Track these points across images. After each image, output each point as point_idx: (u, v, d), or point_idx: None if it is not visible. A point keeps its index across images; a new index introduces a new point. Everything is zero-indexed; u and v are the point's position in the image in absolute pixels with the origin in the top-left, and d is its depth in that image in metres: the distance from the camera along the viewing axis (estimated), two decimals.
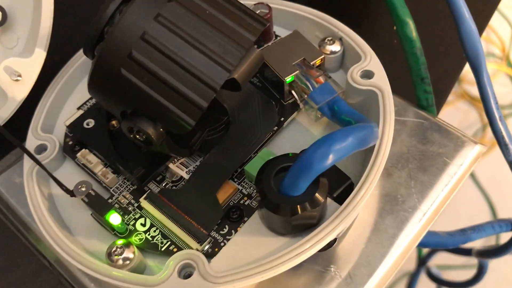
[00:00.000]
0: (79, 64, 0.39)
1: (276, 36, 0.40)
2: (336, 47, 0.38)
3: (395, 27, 0.46)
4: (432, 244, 0.41)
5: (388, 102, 0.33)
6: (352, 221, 0.34)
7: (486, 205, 1.08)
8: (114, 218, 0.31)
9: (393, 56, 0.45)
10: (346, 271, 0.33)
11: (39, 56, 0.36)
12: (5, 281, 0.36)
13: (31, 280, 0.35)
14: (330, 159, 0.26)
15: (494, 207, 1.07)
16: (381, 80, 0.35)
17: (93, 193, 0.31)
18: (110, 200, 0.33)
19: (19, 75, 0.35)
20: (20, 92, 0.36)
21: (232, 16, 0.28)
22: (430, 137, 0.38)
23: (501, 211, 1.07)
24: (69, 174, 0.35)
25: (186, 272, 0.29)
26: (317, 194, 0.28)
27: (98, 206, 0.31)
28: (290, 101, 0.36)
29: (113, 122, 0.35)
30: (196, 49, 0.27)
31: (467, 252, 0.56)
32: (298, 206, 0.27)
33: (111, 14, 0.29)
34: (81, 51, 0.40)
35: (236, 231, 0.31)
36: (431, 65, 0.41)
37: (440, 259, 0.85)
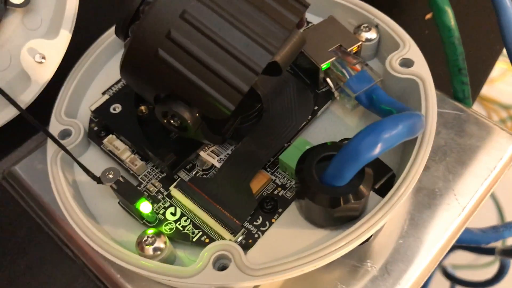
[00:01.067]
0: (104, 47, 0.38)
1: (308, 22, 0.38)
2: (372, 35, 0.36)
3: (427, 17, 0.45)
4: (466, 240, 0.40)
5: (430, 91, 0.32)
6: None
7: (494, 206, 1.06)
8: (145, 206, 0.29)
9: (424, 46, 0.43)
10: (382, 266, 0.32)
11: (64, 38, 0.35)
12: (23, 265, 0.34)
13: (52, 268, 0.34)
14: (379, 148, 0.25)
15: (502, 208, 1.06)
16: (421, 69, 0.33)
17: (122, 180, 0.30)
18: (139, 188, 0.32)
19: (43, 57, 0.34)
20: (44, 74, 0.35)
21: None
22: (467, 129, 0.36)
23: (509, 212, 1.05)
24: (94, 161, 0.34)
25: (220, 264, 0.28)
26: (362, 186, 0.26)
27: (128, 194, 0.30)
28: (323, 90, 0.35)
29: (142, 107, 0.34)
30: (237, 30, 0.26)
31: (490, 252, 0.55)
32: (342, 197, 0.26)
33: None
34: (106, 34, 0.38)
35: (270, 222, 0.30)
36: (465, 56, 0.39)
37: (453, 258, 0.84)
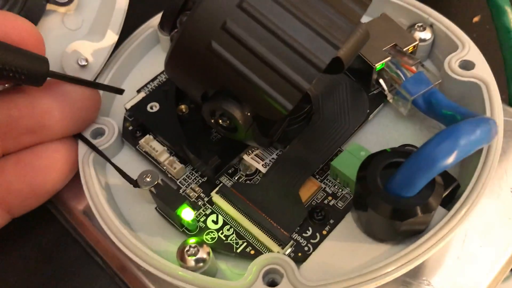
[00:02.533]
0: (139, 42, 0.36)
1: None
2: (426, 34, 0.34)
3: (474, 20, 0.42)
4: None
5: (495, 96, 0.30)
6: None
7: None
8: (187, 213, 0.27)
9: None
10: (438, 284, 0.29)
11: (110, 40, 0.32)
12: (48, 273, 0.32)
13: (79, 277, 0.32)
14: (455, 155, 0.22)
15: None
16: (484, 72, 0.31)
17: (162, 184, 0.28)
18: None
19: (86, 60, 0.32)
20: (86, 77, 0.32)
21: None
22: None
23: None
24: (128, 163, 0.32)
25: (270, 279, 0.26)
26: (432, 197, 0.24)
27: (169, 199, 0.27)
28: (375, 92, 0.33)
29: (182, 106, 0.32)
30: (299, 21, 0.23)
31: None
32: (411, 209, 0.23)
33: None
34: (140, 28, 0.36)
35: (321, 234, 0.28)
36: None
37: None
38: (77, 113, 0.29)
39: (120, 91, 0.31)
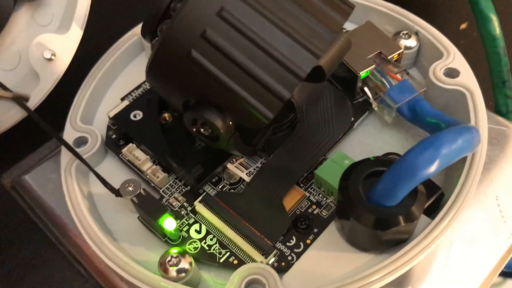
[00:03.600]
0: (123, 50, 0.36)
1: (342, 29, 0.36)
2: (411, 42, 0.34)
3: (462, 27, 0.42)
4: (508, 265, 0.37)
5: (480, 104, 0.29)
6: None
7: None
8: (169, 223, 0.27)
9: None
10: None
11: (75, 34, 0.32)
12: (30, 283, 0.31)
13: (62, 285, 0.31)
14: (437, 165, 0.22)
15: None
16: (468, 80, 0.31)
17: (144, 193, 0.27)
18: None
19: (53, 54, 0.32)
20: (54, 72, 0.32)
21: None
22: None
23: None
24: (111, 172, 0.31)
25: None
26: (414, 206, 0.24)
27: (151, 209, 0.27)
28: (360, 100, 0.32)
29: (165, 115, 0.31)
30: (280, 30, 0.23)
31: None
32: (393, 218, 0.23)
33: None
34: (125, 36, 0.36)
35: (305, 243, 0.27)
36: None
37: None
38: None
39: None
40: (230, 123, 0.25)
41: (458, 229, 0.31)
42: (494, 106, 0.37)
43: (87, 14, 0.32)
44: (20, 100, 0.30)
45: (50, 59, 0.32)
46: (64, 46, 0.32)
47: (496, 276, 0.30)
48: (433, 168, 0.22)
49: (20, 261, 0.32)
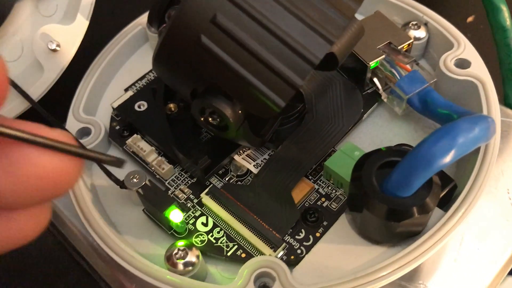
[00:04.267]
0: (127, 40, 0.35)
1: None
2: (421, 33, 0.33)
3: (468, 20, 0.42)
4: None
5: (492, 94, 0.29)
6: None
7: None
8: (175, 215, 0.26)
9: None
10: None
11: (81, 25, 0.32)
12: (32, 279, 0.31)
13: (64, 282, 0.30)
14: (453, 154, 0.22)
15: None
16: (480, 70, 0.30)
17: (149, 185, 0.27)
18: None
19: (58, 45, 0.31)
20: (58, 64, 0.32)
21: None
22: None
23: None
24: None
25: (262, 283, 0.25)
26: (429, 197, 0.23)
27: (157, 200, 0.26)
28: (369, 91, 0.32)
29: (171, 105, 0.31)
30: (292, 15, 0.23)
31: None
32: (408, 209, 0.23)
33: None
34: (129, 26, 0.35)
35: (314, 236, 0.27)
36: None
37: None
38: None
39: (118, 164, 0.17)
40: (240, 112, 0.24)
41: (469, 223, 0.30)
42: (503, 99, 0.36)
43: (93, 4, 0.32)
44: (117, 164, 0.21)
45: (54, 50, 0.31)
46: (69, 37, 0.31)
47: (507, 271, 0.30)
48: (449, 157, 0.22)
49: (21, 257, 0.31)
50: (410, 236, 0.25)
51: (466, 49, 0.31)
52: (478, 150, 0.27)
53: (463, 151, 0.22)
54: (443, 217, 0.25)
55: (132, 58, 0.36)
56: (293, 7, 0.23)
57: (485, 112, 0.28)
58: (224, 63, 0.23)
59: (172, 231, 0.27)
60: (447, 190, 0.26)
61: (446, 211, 0.25)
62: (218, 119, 0.25)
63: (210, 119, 0.25)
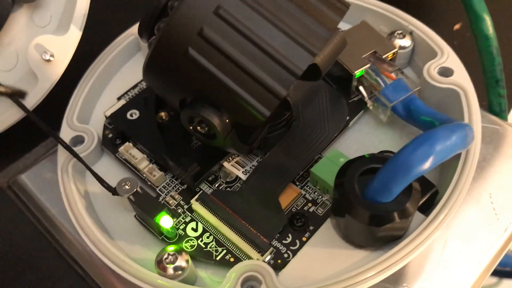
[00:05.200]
0: (120, 49, 0.36)
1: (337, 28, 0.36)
2: (406, 42, 0.34)
3: (455, 27, 0.43)
4: (501, 263, 0.37)
5: (473, 102, 0.30)
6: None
7: None
8: (165, 221, 0.27)
9: None
10: None
11: (74, 35, 0.33)
12: (27, 283, 0.31)
13: (58, 287, 0.31)
14: (431, 161, 0.23)
15: None
16: (462, 78, 0.31)
17: (140, 191, 0.27)
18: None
19: (52, 55, 0.32)
20: (52, 74, 0.32)
21: None
22: (506, 144, 0.34)
23: None
24: (107, 171, 0.32)
25: (249, 286, 0.26)
26: (409, 202, 0.24)
27: (148, 207, 0.27)
28: (355, 99, 0.33)
29: (162, 113, 0.31)
30: (276, 28, 0.24)
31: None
32: (389, 214, 0.24)
33: None
34: (121, 36, 0.36)
35: (301, 241, 0.28)
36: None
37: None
38: None
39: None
40: (227, 120, 0.25)
41: (452, 227, 0.31)
42: (488, 105, 0.37)
43: (86, 15, 0.33)
44: (17, 96, 0.30)
45: (48, 60, 0.32)
46: (62, 47, 0.32)
47: (490, 273, 0.30)
48: (427, 164, 0.23)
49: (16, 260, 0.32)
50: (392, 240, 0.26)
51: (449, 57, 0.32)
52: (459, 156, 0.28)
53: (441, 158, 0.23)
54: (424, 222, 0.26)
55: (124, 67, 0.36)
56: (277, 20, 0.24)
57: (466, 119, 0.29)
58: (211, 74, 0.24)
59: (163, 236, 0.28)
60: (429, 196, 0.27)
61: (428, 216, 0.26)
62: (206, 128, 0.26)
63: (198, 127, 0.26)
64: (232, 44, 0.23)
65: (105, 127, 0.33)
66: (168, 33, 0.24)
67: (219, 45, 0.23)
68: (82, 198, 0.29)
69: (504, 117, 0.38)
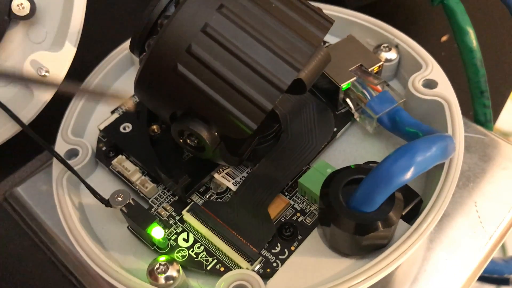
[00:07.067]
0: (113, 64, 0.37)
1: (324, 42, 0.37)
2: (392, 55, 0.35)
3: (443, 39, 0.44)
4: (487, 270, 0.38)
5: (456, 113, 0.31)
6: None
7: None
8: (157, 232, 0.28)
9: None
10: None
11: (69, 51, 0.33)
12: None
13: None
14: (412, 172, 0.23)
15: None
16: (446, 90, 0.32)
17: (133, 203, 0.28)
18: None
19: (47, 71, 0.33)
20: (48, 89, 0.33)
21: (299, 11, 0.26)
22: (491, 154, 0.35)
23: None
24: (101, 183, 0.32)
25: None
26: (392, 212, 0.25)
27: (140, 218, 0.28)
28: (342, 111, 0.34)
29: (154, 127, 0.32)
30: (261, 45, 0.24)
31: (505, 282, 0.52)
32: (372, 224, 0.24)
33: (164, 5, 0.26)
34: (115, 52, 0.37)
35: (289, 250, 0.28)
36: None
37: None
38: None
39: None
40: (216, 133, 0.26)
41: (438, 235, 0.32)
42: (473, 115, 0.38)
43: (80, 31, 0.34)
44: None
45: (44, 76, 0.32)
46: (57, 63, 0.33)
47: (475, 280, 0.31)
48: (408, 175, 0.23)
49: (12, 271, 0.33)
50: (376, 248, 0.27)
51: (433, 70, 0.33)
52: (442, 166, 0.29)
53: (421, 169, 0.24)
54: (408, 231, 0.26)
55: (118, 81, 0.37)
56: (262, 38, 0.24)
57: (449, 130, 0.30)
58: (199, 89, 0.25)
59: (154, 247, 0.29)
60: (413, 205, 0.28)
61: (412, 225, 0.27)
62: (195, 141, 0.27)
63: (188, 140, 0.27)
64: (219, 60, 0.24)
65: (99, 140, 0.33)
66: (157, 50, 0.25)
67: (207, 62, 0.24)
68: (77, 210, 0.30)
69: (489, 127, 0.39)
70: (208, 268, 0.28)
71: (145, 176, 0.31)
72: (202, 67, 0.24)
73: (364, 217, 0.24)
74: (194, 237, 0.29)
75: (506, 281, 0.51)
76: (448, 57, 0.44)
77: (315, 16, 0.26)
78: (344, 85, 0.32)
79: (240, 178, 0.31)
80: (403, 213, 0.28)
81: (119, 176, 0.32)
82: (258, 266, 0.28)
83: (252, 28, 0.24)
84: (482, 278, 0.53)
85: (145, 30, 0.27)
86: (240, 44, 0.24)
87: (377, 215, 0.24)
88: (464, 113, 0.37)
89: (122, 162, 0.31)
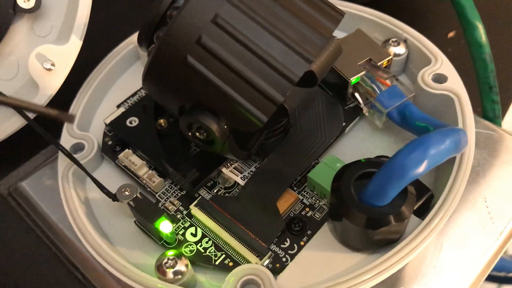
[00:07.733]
0: (119, 58, 0.36)
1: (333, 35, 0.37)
2: (400, 49, 0.35)
3: (449, 35, 0.43)
4: (496, 267, 0.37)
5: (467, 108, 0.30)
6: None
7: None
8: (165, 226, 0.27)
9: None
10: None
11: (74, 45, 0.33)
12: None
13: None
14: (425, 165, 0.23)
15: None
16: (456, 85, 0.32)
17: (140, 197, 0.28)
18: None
19: (53, 64, 0.32)
20: (53, 82, 0.33)
21: (310, 2, 0.25)
22: (501, 150, 0.35)
23: None
24: (107, 177, 0.32)
25: None
26: (404, 206, 0.24)
27: (147, 212, 0.27)
28: (351, 105, 0.33)
29: (161, 120, 0.32)
30: (273, 36, 0.24)
31: (507, 281, 0.52)
32: (384, 218, 0.24)
33: None
34: (121, 45, 0.37)
35: (299, 245, 0.28)
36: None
37: None
38: None
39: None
40: (225, 126, 0.26)
41: (448, 231, 0.31)
42: (482, 111, 0.38)
43: (86, 25, 0.33)
44: (67, 121, 0.31)
45: (49, 70, 0.32)
46: (63, 56, 0.33)
47: (485, 277, 0.31)
48: (421, 168, 0.23)
49: (17, 267, 0.32)
50: (388, 243, 0.26)
51: (443, 64, 0.33)
52: (453, 161, 0.28)
53: (435, 162, 0.23)
54: (419, 225, 0.26)
55: (124, 75, 0.37)
56: (273, 29, 0.24)
57: (460, 125, 0.30)
58: (209, 81, 0.24)
59: (162, 241, 0.29)
60: (424, 199, 0.28)
61: (423, 220, 0.27)
62: (204, 134, 0.26)
63: (197, 134, 0.27)
64: (230, 52, 0.24)
65: (105, 134, 0.33)
66: (167, 41, 0.24)
67: (217, 53, 0.24)
68: (83, 205, 0.30)
69: (498, 123, 0.38)
70: (217, 263, 0.28)
71: (152, 170, 0.31)
72: (212, 58, 0.24)
73: (377, 211, 0.24)
74: (202, 232, 0.29)
75: (508, 280, 0.51)
76: (455, 53, 0.43)
77: (326, 7, 0.26)
78: (353, 79, 0.32)
79: (248, 173, 0.31)
80: (415, 208, 0.27)
81: (126, 170, 0.31)
82: (267, 261, 0.27)
83: (263, 19, 0.24)
84: (487, 277, 0.52)
85: (154, 21, 0.26)
86: (251, 35, 0.24)
87: (390, 209, 0.24)
88: (472, 109, 0.37)
89: (129, 156, 0.31)
